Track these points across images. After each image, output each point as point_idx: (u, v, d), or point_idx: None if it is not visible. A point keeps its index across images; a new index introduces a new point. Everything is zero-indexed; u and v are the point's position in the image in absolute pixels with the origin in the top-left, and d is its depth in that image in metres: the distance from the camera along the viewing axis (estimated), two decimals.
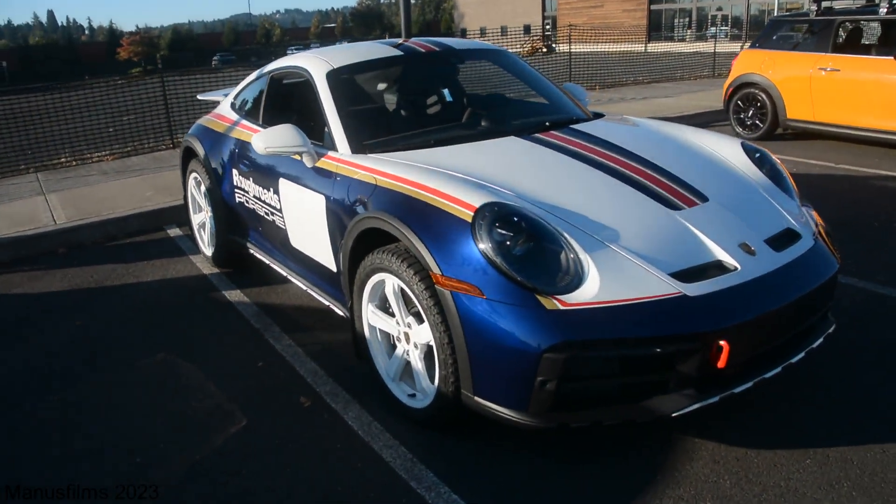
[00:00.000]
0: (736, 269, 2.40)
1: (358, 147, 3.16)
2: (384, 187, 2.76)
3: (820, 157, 7.12)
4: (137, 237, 5.70)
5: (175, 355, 3.58)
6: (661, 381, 2.26)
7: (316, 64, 3.59)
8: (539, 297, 2.22)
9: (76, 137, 8.94)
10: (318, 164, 3.22)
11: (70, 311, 4.24)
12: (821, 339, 2.62)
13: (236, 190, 4.14)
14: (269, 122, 3.98)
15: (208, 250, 4.79)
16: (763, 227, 2.66)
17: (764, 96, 7.82)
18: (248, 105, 4.32)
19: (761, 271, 2.42)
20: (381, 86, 3.82)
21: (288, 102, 4.02)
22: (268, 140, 3.19)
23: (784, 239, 2.65)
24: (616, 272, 2.29)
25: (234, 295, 4.29)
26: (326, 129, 3.30)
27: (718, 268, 2.40)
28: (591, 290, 2.24)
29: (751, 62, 8.02)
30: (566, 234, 2.36)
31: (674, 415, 2.25)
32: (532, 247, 2.32)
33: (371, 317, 2.88)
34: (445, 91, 4.07)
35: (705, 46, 16.86)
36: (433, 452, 2.61)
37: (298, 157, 3.31)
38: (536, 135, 3.18)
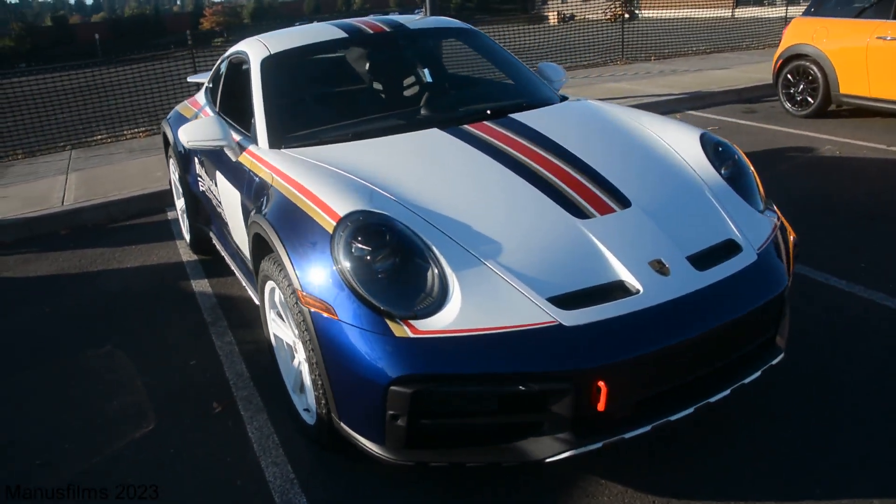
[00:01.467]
0: (638, 292, 2.08)
1: (276, 141, 2.97)
2: (275, 188, 2.59)
3: (872, 137, 6.40)
4: (137, 219, 5.76)
5: (120, 348, 3.55)
6: (533, 422, 2.00)
7: (255, 49, 3.42)
8: (389, 323, 1.99)
9: (132, 113, 9.16)
10: (239, 159, 3.06)
11: (44, 297, 4.30)
12: (757, 374, 2.27)
13: (198, 179, 4.06)
14: (223, 110, 3.85)
15: (187, 236, 4.76)
16: (693, 238, 2.30)
17: (815, 69, 7.10)
18: (212, 91, 4.21)
19: (670, 295, 2.08)
20: (324, 71, 3.61)
21: (240, 90, 3.86)
22: (190, 133, 3.06)
23: (718, 254, 2.29)
24: (483, 295, 2.02)
25: (200, 285, 4.23)
26: (253, 121, 3.14)
27: (620, 290, 2.09)
28: (448, 316, 1.99)
29: (802, 31, 7.28)
30: (435, 249, 2.12)
31: (547, 461, 1.99)
32: (395, 263, 2.10)
33: (272, 323, 2.72)
34: (392, 76, 3.80)
35: (795, 11, 15.58)
36: (318, 475, 2.45)
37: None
38: (464, 126, 2.90)
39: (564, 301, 2.02)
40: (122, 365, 3.38)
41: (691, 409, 2.10)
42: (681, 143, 2.83)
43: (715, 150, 2.78)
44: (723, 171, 2.69)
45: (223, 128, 3.04)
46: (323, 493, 2.36)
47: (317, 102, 3.45)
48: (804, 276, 3.60)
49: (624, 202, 2.38)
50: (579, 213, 2.31)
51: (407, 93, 3.70)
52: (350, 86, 3.58)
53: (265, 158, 2.85)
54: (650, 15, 13.78)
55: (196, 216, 4.33)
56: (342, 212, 2.20)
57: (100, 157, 7.73)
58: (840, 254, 3.87)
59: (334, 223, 2.17)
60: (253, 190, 2.80)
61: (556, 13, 31.80)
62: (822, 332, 3.08)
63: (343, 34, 3.48)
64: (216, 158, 3.48)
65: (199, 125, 3.06)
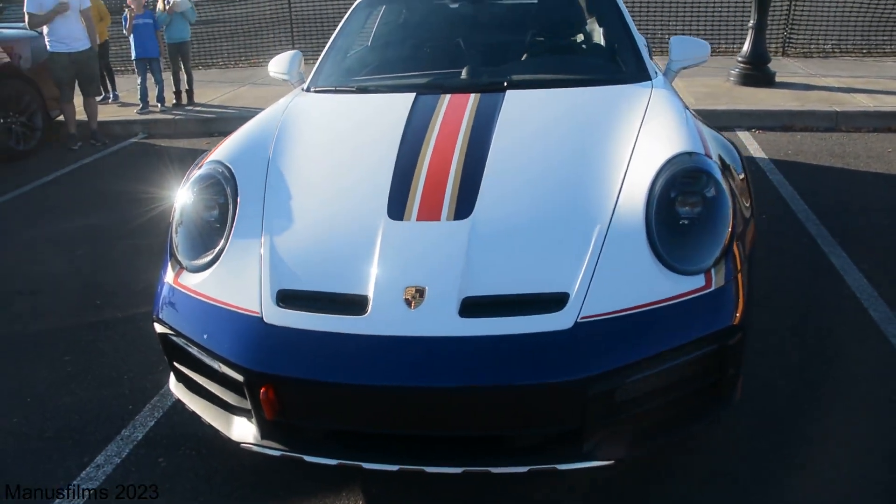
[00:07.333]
0: (363, 313, 1.98)
1: (314, 83, 3.25)
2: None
3: None
4: None
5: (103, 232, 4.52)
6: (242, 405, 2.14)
7: None
8: (171, 265, 2.35)
9: None
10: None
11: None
12: (519, 468, 1.93)
13: None
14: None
15: None
16: (505, 280, 2.00)
17: None
18: None
19: (395, 331, 1.92)
20: (416, 17, 3.74)
21: None
22: (274, 63, 3.54)
23: (522, 306, 1.95)
24: (234, 268, 2.21)
25: None
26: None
27: (355, 305, 2.01)
28: (200, 277, 2.24)
29: None
30: (239, 213, 2.36)
31: (241, 445, 2.12)
32: (214, 216, 2.40)
33: None
34: (471, 33, 3.63)
35: None
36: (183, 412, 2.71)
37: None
38: (445, 96, 2.87)
39: (290, 298, 2.07)
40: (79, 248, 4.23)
41: (395, 468, 1.97)
42: (643, 159, 2.36)
43: (679, 180, 2.24)
44: (678, 208, 2.20)
45: (292, 63, 3.45)
46: (163, 435, 2.66)
47: (376, 49, 3.62)
48: None
49: (464, 214, 2.18)
50: (398, 212, 2.23)
51: (466, 53, 3.49)
52: (421, 37, 3.59)
53: (286, 97, 3.12)
54: None
55: None
56: (215, 157, 2.59)
57: None
58: None
59: (205, 162, 2.59)
60: None
61: None
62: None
63: None
64: None
65: (280, 57, 3.55)
